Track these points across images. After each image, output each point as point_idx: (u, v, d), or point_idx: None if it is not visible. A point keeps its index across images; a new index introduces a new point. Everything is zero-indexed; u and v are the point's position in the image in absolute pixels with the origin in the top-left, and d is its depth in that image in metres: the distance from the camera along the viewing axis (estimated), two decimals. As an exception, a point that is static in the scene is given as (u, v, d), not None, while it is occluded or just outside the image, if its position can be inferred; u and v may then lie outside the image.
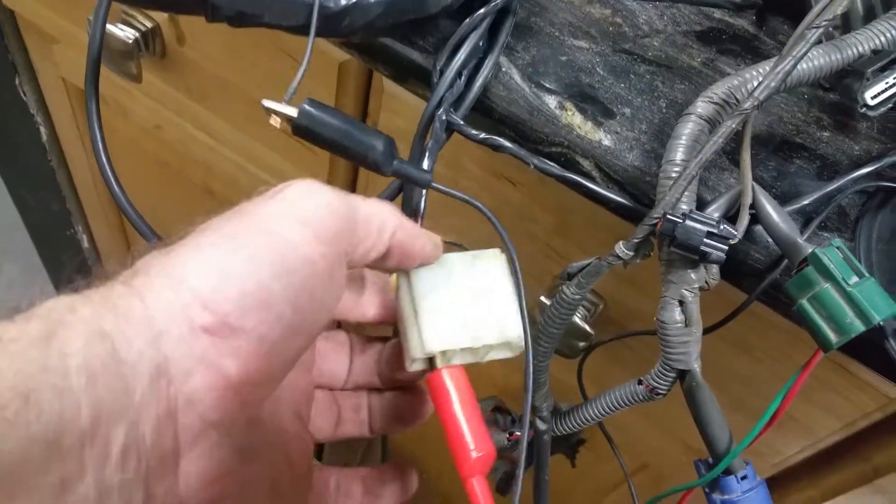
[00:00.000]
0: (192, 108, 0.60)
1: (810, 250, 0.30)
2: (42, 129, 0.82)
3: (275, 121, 0.30)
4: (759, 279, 0.35)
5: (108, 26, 0.52)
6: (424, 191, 0.34)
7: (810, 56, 0.34)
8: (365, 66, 0.47)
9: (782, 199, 0.35)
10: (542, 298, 0.45)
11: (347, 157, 0.31)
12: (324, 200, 0.24)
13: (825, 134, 0.38)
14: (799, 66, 0.32)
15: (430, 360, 0.30)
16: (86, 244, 0.99)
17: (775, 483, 0.49)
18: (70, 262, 1.05)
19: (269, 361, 0.22)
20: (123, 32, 0.51)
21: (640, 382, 0.36)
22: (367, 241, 0.26)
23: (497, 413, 0.49)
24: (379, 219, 0.27)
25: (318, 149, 0.31)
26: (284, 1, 0.32)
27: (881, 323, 0.29)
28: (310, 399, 0.33)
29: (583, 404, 0.38)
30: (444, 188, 0.32)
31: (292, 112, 0.30)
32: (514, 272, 0.32)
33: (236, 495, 0.24)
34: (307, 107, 0.30)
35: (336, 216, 0.24)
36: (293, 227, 0.23)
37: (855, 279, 0.29)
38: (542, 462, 0.41)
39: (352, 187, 0.56)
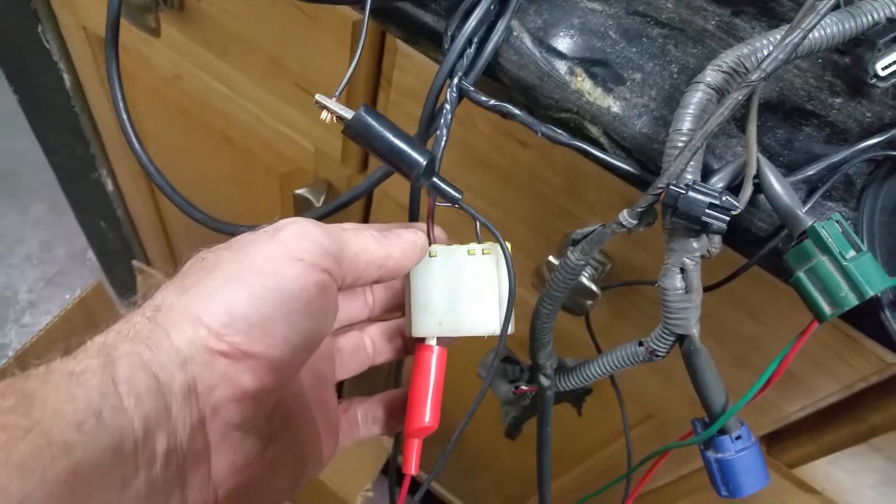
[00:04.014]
0: (210, 61, 0.60)
1: (809, 224, 0.31)
2: (65, 76, 0.82)
3: (326, 116, 0.31)
4: (761, 246, 0.35)
5: (126, -20, 0.52)
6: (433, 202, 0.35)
7: (823, 24, 0.33)
8: (378, 26, 0.47)
9: (789, 168, 0.36)
10: (551, 258, 0.46)
11: (388, 164, 0.32)
12: (315, 240, 0.29)
13: (837, 100, 0.38)
14: (810, 36, 0.32)
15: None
16: (110, 187, 1.01)
17: (777, 437, 0.51)
18: (95, 204, 1.07)
19: (280, 372, 0.27)
20: (141, -13, 0.52)
21: (640, 344, 0.37)
22: (355, 274, 0.31)
23: (506, 363, 0.51)
24: (366, 255, 0.31)
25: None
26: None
27: (877, 295, 0.29)
28: (330, 359, 0.37)
29: (584, 363, 0.40)
30: (469, 209, 0.34)
31: (347, 114, 0.31)
32: (508, 269, 0.35)
33: (265, 474, 0.29)
34: (364, 114, 0.31)
35: (326, 255, 0.29)
36: (288, 263, 0.28)
37: (852, 253, 0.30)
38: (544, 416, 0.43)
39: (364, 157, 0.57)
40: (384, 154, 0.32)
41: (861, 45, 0.34)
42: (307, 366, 0.32)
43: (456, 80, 0.36)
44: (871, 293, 0.29)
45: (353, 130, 0.31)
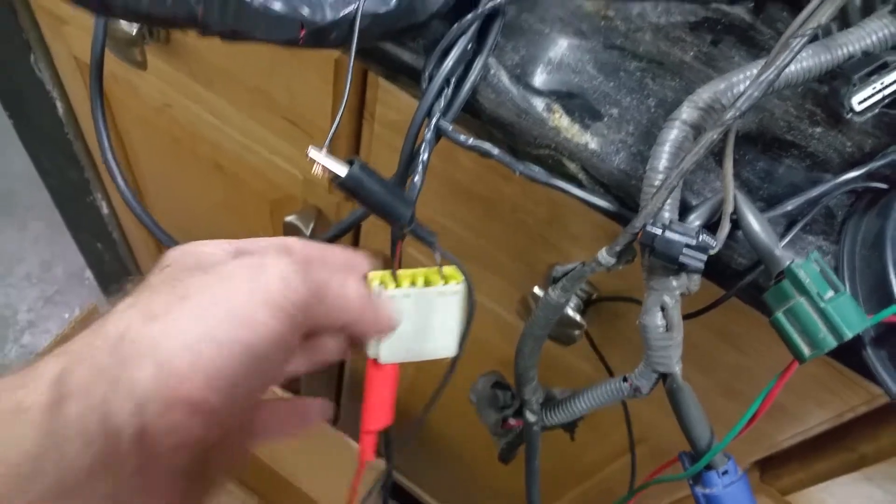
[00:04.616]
0: (198, 92, 0.60)
1: (786, 264, 0.30)
2: (58, 104, 0.83)
3: (318, 170, 0.31)
4: (741, 279, 0.35)
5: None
6: (399, 241, 0.36)
7: (799, 58, 0.33)
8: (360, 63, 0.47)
9: (769, 202, 0.35)
10: (536, 289, 0.46)
11: (375, 214, 0.34)
12: (297, 291, 0.28)
13: (817, 130, 0.38)
14: (787, 70, 0.32)
15: None
16: (105, 210, 1.01)
17: (769, 464, 0.50)
18: (90, 226, 1.07)
19: (229, 421, 0.27)
20: (128, 24, 0.52)
21: (624, 380, 0.37)
22: (326, 321, 0.30)
23: (497, 389, 0.51)
24: (339, 312, 0.30)
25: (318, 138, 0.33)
26: (273, 18, 0.32)
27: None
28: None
29: (570, 398, 0.40)
30: (442, 252, 0.35)
31: (340, 171, 0.31)
32: (470, 302, 0.37)
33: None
34: (357, 172, 0.31)
35: (305, 307, 0.28)
36: (267, 314, 0.27)
37: (830, 294, 0.30)
38: (532, 451, 0.42)
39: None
40: (372, 207, 0.33)
41: (837, 78, 0.34)
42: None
43: (434, 120, 0.36)
44: (849, 335, 0.29)
45: (345, 186, 0.32)
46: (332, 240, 0.42)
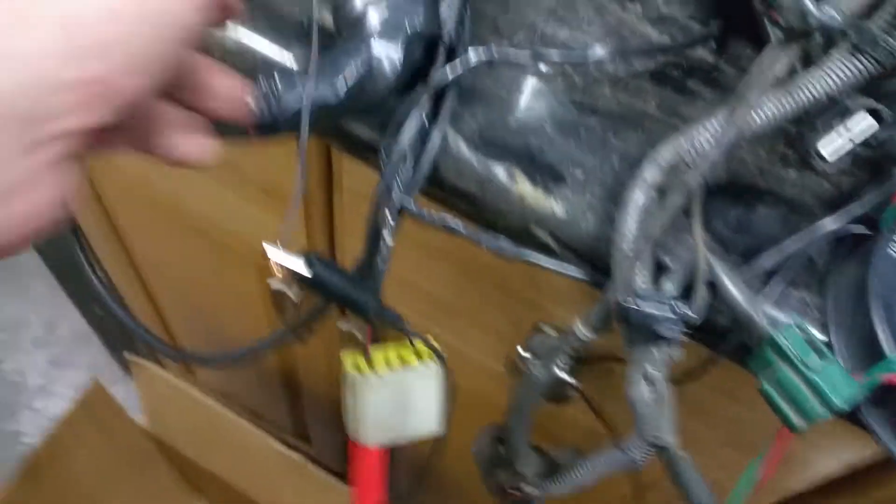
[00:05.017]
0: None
1: (768, 333, 0.29)
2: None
3: (277, 269, 0.32)
4: (724, 338, 0.34)
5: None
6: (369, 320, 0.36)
7: (760, 107, 0.32)
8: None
9: (745, 255, 0.34)
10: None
11: (339, 305, 0.34)
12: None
13: (791, 172, 0.36)
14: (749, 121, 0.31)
15: None
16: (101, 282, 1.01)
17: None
18: (90, 296, 1.07)
19: (128, 107, 0.24)
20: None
21: (620, 450, 0.36)
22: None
23: (499, 444, 0.49)
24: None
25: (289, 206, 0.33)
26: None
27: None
28: None
29: (569, 468, 0.38)
30: (410, 332, 0.36)
31: (302, 270, 0.32)
32: (446, 381, 0.38)
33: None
34: (318, 272, 0.32)
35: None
36: None
37: (815, 360, 0.28)
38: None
39: (330, 245, 0.56)
40: (337, 301, 0.33)
41: (803, 123, 0.33)
42: None
43: (395, 199, 0.35)
44: (839, 406, 0.27)
45: (308, 285, 0.32)
46: (313, 318, 0.41)
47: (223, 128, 0.32)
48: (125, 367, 1.43)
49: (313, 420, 1.00)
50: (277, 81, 0.32)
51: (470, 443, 0.50)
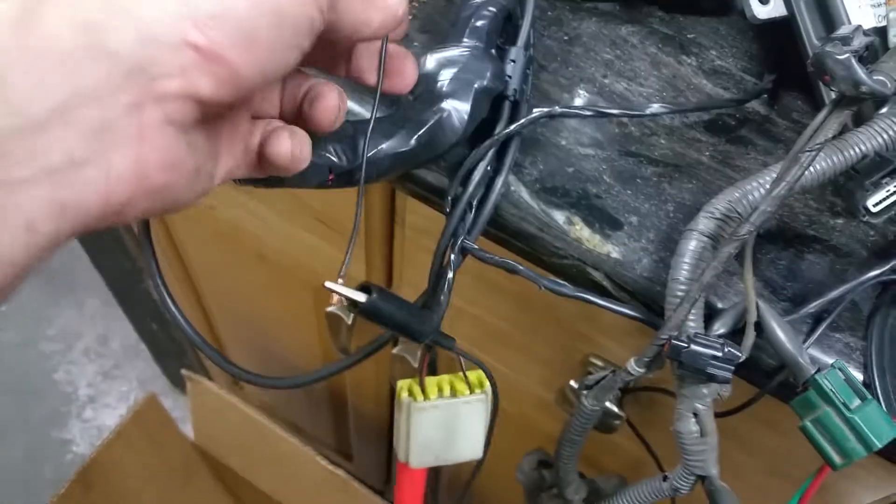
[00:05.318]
0: (236, 196, 0.63)
1: (811, 374, 0.31)
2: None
3: (336, 301, 0.33)
4: (770, 377, 0.36)
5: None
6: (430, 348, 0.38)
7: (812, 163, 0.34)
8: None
9: (794, 301, 0.36)
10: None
11: (396, 333, 0.36)
12: None
13: (839, 221, 0.38)
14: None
15: None
16: (156, 295, 1.06)
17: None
18: (144, 308, 1.12)
19: (237, 90, 0.25)
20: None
21: (664, 479, 0.38)
22: (332, 28, 0.28)
23: (542, 467, 0.52)
24: (350, 16, 0.28)
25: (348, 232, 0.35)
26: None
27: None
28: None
29: (613, 497, 0.40)
30: (464, 354, 0.38)
31: (359, 298, 0.33)
32: (494, 407, 0.40)
33: (184, 181, 0.26)
34: (375, 301, 0.33)
35: None
36: None
37: (857, 403, 0.30)
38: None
39: (388, 276, 0.59)
40: (394, 329, 0.35)
41: (851, 180, 0.35)
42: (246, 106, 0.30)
43: (459, 241, 0.38)
44: (878, 446, 0.29)
45: (365, 313, 0.34)
46: (372, 353, 0.44)
47: (304, 176, 0.35)
48: (173, 380, 1.48)
49: (357, 438, 1.03)
50: (355, 132, 0.35)
51: (513, 466, 0.52)
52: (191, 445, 1.04)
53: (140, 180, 0.24)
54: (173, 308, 0.46)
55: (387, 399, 0.83)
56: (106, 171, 0.23)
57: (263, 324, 0.90)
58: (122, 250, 0.96)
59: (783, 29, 0.40)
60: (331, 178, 0.35)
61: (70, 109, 0.21)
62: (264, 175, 0.33)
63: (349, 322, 0.65)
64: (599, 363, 0.47)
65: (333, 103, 0.31)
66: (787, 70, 0.43)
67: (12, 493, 1.45)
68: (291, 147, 0.31)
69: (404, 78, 0.34)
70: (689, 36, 0.46)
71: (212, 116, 0.26)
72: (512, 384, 0.58)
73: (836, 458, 0.30)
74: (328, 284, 0.33)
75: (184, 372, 0.89)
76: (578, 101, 0.42)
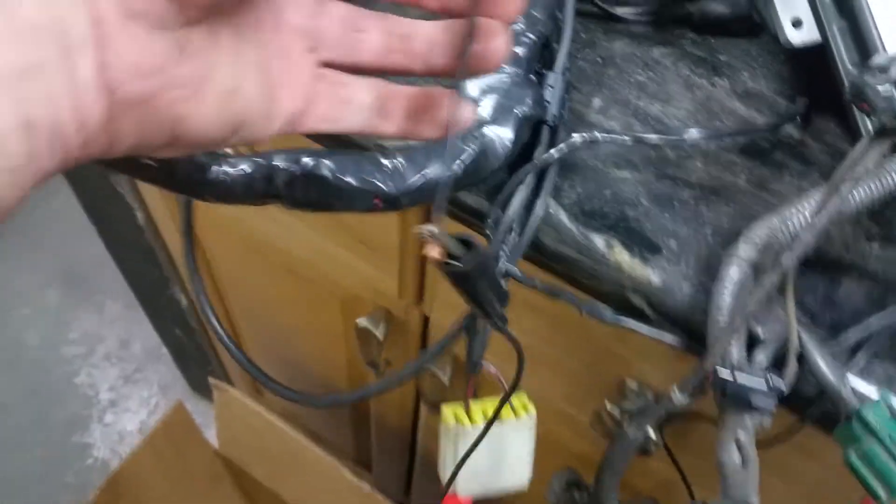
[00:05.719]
0: (265, 209, 0.64)
1: (856, 407, 0.31)
2: (137, 214, 0.88)
3: (433, 250, 0.25)
4: (810, 406, 0.36)
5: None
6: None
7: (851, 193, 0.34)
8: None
9: (833, 328, 0.36)
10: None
11: (472, 306, 0.30)
12: None
13: (875, 246, 0.38)
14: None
15: None
16: (184, 303, 1.07)
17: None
18: (170, 315, 1.13)
19: None
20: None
21: (703, 505, 0.38)
22: None
23: (574, 489, 0.52)
24: None
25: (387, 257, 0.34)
26: (350, 191, 0.35)
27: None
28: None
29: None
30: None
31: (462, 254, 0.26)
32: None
33: (184, 93, 0.22)
34: (479, 259, 0.26)
35: None
36: None
37: (902, 434, 0.30)
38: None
39: (419, 294, 0.60)
40: (476, 302, 0.30)
41: (890, 207, 0.35)
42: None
43: (500, 265, 0.38)
44: (925, 479, 0.29)
45: (459, 273, 0.26)
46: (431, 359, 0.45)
47: (351, 201, 0.36)
48: (193, 385, 1.49)
49: (378, 448, 1.04)
50: (402, 160, 0.36)
51: (539, 485, 0.53)
52: (214, 453, 1.05)
53: (111, 89, 0.21)
54: (219, 328, 0.47)
55: (411, 411, 0.84)
56: (70, 79, 0.20)
57: (288, 334, 0.91)
58: (150, 260, 0.97)
59: (815, 52, 0.40)
60: (377, 202, 0.36)
61: (5, 5, 0.18)
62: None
63: (380, 337, 0.66)
64: (634, 386, 0.47)
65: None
66: (819, 92, 0.43)
67: (32, 497, 1.46)
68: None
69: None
70: (721, 58, 0.47)
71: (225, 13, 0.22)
72: (542, 402, 0.58)
73: (883, 494, 0.30)
74: (423, 228, 0.25)
75: (211, 380, 0.89)
76: (613, 124, 0.42)
